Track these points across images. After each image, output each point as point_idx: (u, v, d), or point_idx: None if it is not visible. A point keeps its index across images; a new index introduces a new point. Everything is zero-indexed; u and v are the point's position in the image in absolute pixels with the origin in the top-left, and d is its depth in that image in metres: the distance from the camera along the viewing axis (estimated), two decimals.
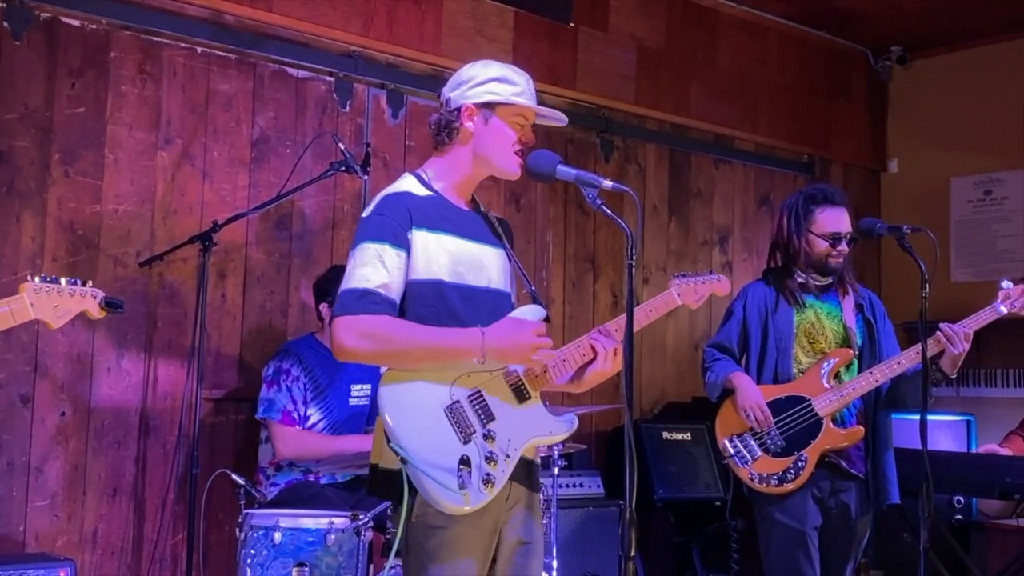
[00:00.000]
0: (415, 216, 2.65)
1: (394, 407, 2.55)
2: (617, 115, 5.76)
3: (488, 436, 2.62)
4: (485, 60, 2.82)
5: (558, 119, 2.83)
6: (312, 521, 3.42)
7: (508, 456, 2.65)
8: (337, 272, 4.11)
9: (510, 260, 2.88)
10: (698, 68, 6.10)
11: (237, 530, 3.46)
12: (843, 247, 3.85)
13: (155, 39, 4.25)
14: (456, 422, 2.59)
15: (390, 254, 2.60)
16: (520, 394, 2.71)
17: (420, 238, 2.64)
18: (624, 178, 5.72)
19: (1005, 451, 4.85)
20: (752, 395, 3.80)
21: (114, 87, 4.14)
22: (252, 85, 4.50)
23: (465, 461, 2.55)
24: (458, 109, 2.73)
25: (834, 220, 3.85)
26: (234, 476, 3.64)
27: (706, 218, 6.20)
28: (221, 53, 4.42)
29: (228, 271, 4.39)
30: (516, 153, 2.75)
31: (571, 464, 4.98)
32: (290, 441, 3.99)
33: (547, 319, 2.83)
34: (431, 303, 2.63)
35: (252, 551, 3.38)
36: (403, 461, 2.51)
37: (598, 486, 5.10)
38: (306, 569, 3.36)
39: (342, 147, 4.10)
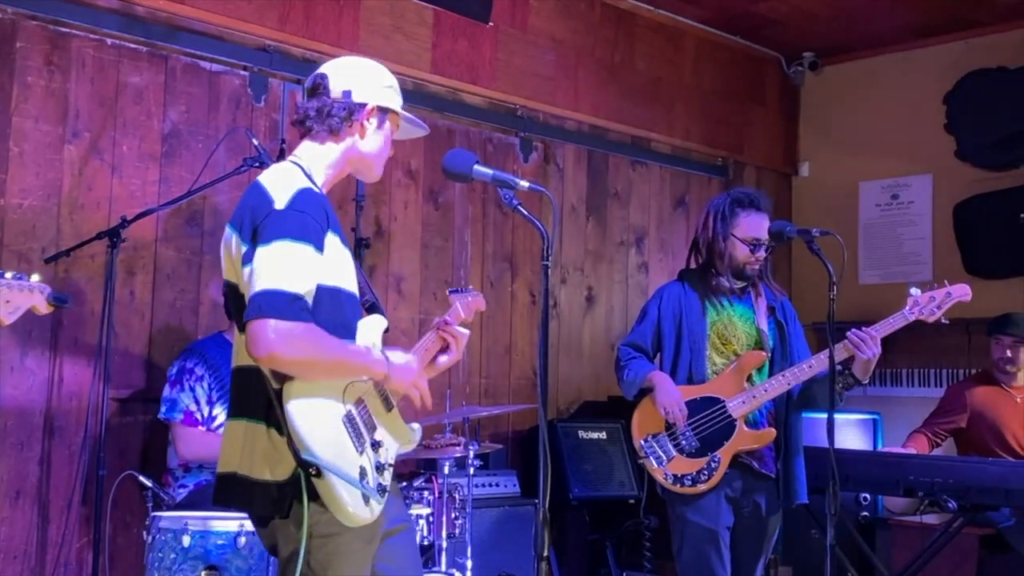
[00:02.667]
0: (330, 218, 2.60)
1: (303, 417, 2.46)
2: (536, 115, 5.77)
3: (375, 446, 2.62)
4: (374, 62, 2.81)
5: (423, 129, 2.88)
6: (222, 524, 3.35)
7: (391, 465, 2.67)
8: None
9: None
10: (616, 70, 6.15)
11: (144, 533, 3.39)
12: (761, 253, 3.90)
13: (63, 30, 4.14)
14: (353, 432, 2.56)
15: (314, 259, 2.50)
16: (388, 403, 2.73)
17: (330, 242, 2.59)
18: (543, 178, 5.74)
19: (910, 451, 4.97)
20: (671, 393, 3.84)
21: (20, 78, 4.02)
22: (164, 78, 4.41)
23: (363, 471, 2.54)
24: (362, 104, 2.70)
25: (756, 225, 3.89)
26: (141, 478, 3.57)
27: (623, 219, 6.25)
28: (132, 45, 4.32)
29: (137, 268, 4.30)
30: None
31: (487, 464, 4.98)
32: (192, 442, 3.92)
33: (387, 330, 2.82)
34: (329, 310, 2.56)
35: (160, 554, 3.32)
36: (316, 473, 2.45)
37: (514, 485, 5.10)
38: (216, 572, 3.30)
39: (256, 142, 4.03)
